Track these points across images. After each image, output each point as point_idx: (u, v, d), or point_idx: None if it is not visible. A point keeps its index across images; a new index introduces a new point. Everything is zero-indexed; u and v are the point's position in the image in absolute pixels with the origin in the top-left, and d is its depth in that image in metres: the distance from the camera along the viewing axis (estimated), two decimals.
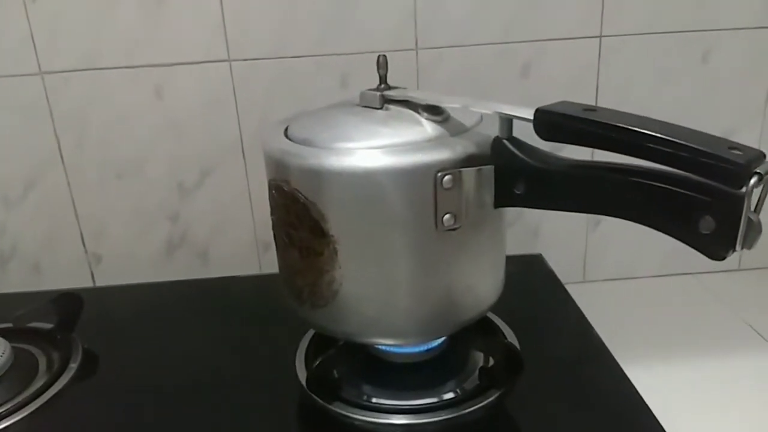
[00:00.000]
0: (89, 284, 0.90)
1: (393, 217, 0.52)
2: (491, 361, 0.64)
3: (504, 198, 0.51)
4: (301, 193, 0.54)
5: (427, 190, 0.51)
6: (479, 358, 0.66)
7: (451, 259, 0.55)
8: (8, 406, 0.61)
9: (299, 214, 0.55)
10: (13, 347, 0.69)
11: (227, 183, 0.87)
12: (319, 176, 0.52)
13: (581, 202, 0.46)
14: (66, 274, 0.89)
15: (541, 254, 0.89)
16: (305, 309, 0.59)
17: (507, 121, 0.49)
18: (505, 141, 0.49)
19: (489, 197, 0.52)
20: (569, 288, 0.80)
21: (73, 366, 0.67)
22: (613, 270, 0.94)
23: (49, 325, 0.73)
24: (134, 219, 0.87)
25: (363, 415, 0.58)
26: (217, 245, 0.90)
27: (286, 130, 0.59)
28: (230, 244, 0.90)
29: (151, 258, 0.89)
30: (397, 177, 0.51)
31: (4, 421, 0.60)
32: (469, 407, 0.58)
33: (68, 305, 0.73)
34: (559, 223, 0.90)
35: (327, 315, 0.58)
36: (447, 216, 0.52)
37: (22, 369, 0.67)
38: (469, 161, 0.51)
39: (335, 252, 0.54)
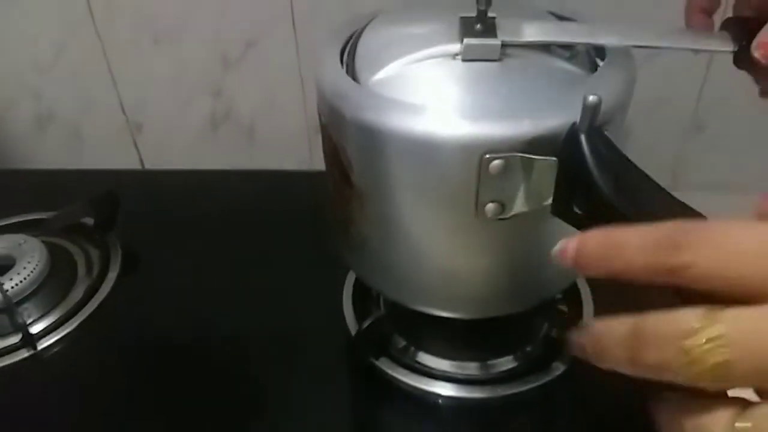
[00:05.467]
0: (133, 153, 0.84)
1: (421, 191, 0.42)
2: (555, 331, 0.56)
3: (561, 210, 0.39)
4: (331, 132, 0.45)
5: (467, 171, 0.39)
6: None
7: (494, 250, 0.44)
8: (45, 323, 0.58)
9: (331, 152, 0.46)
10: (49, 244, 0.65)
11: (274, 58, 0.76)
12: (343, 122, 0.42)
13: None
14: (108, 144, 0.83)
15: None
16: (339, 243, 0.52)
17: (594, 104, 0.35)
18: (582, 136, 0.36)
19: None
20: None
21: (113, 276, 0.63)
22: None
23: (88, 221, 0.68)
24: (175, 91, 0.79)
25: (408, 378, 0.53)
26: (264, 127, 0.81)
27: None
28: (278, 126, 0.80)
29: (195, 131, 0.82)
30: (426, 149, 0.39)
31: (42, 341, 0.57)
32: (526, 384, 0.52)
33: (106, 204, 0.66)
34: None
35: (356, 261, 0.52)
36: (491, 205, 0.40)
37: (60, 273, 0.63)
38: (532, 146, 0.38)
39: (362, 206, 0.45)
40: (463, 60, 0.42)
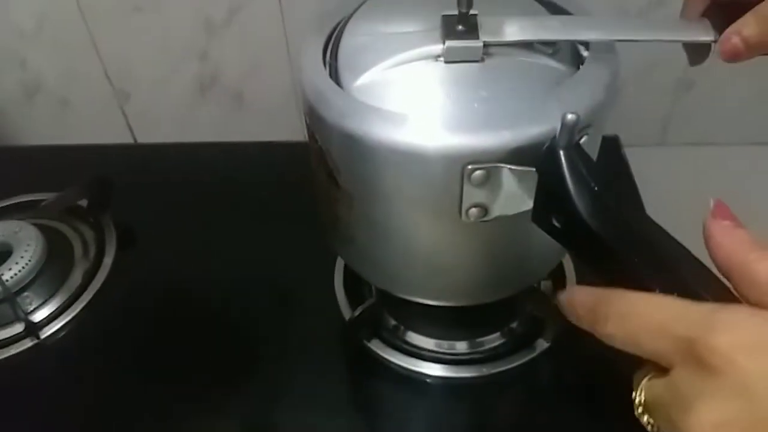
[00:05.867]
0: (122, 122, 0.83)
1: (406, 197, 0.42)
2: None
3: (540, 219, 0.39)
4: (316, 134, 0.44)
5: (450, 180, 0.39)
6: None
7: (478, 247, 0.45)
8: (47, 310, 0.60)
9: (317, 153, 0.46)
10: (44, 227, 0.65)
11: (259, 22, 0.73)
12: (327, 127, 0.41)
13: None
14: (96, 113, 0.82)
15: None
16: (328, 234, 0.53)
17: (572, 122, 0.34)
18: (561, 152, 0.36)
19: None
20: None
21: (108, 261, 0.63)
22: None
23: (82, 203, 0.68)
24: (159, 57, 0.76)
25: (399, 359, 0.55)
26: (252, 92, 0.80)
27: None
28: (267, 90, 0.79)
29: (183, 97, 0.80)
30: (409, 159, 0.39)
31: (45, 329, 0.58)
32: (512, 362, 0.54)
33: (100, 186, 0.67)
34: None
35: (345, 252, 0.54)
36: (474, 210, 0.41)
37: (57, 258, 0.63)
38: (513, 156, 0.37)
39: (349, 206, 0.46)
40: (446, 62, 0.42)
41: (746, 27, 0.40)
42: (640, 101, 0.77)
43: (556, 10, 0.47)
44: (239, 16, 0.73)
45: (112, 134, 0.83)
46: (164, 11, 0.72)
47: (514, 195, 0.39)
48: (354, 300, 0.59)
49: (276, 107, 0.79)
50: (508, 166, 0.38)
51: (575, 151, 0.36)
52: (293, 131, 0.80)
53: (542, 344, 0.55)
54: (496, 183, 0.39)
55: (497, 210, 0.41)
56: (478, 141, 0.38)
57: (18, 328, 0.58)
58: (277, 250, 0.65)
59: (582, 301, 0.31)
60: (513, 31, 0.42)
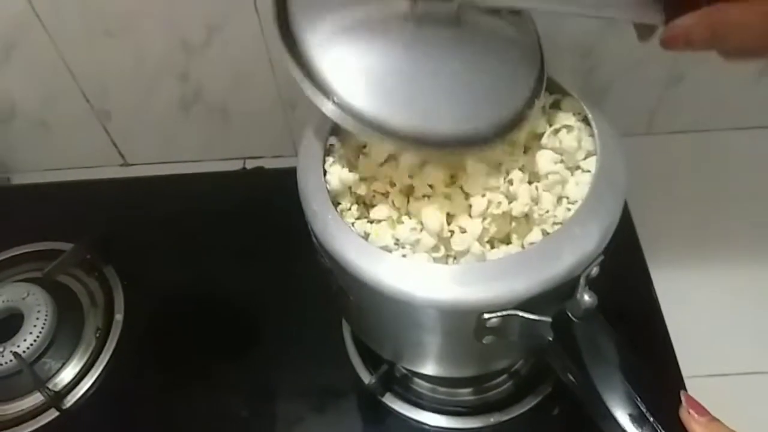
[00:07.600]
0: (105, 140, 0.78)
1: (421, 329, 0.43)
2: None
3: (556, 363, 0.39)
4: (323, 257, 0.43)
5: (465, 324, 0.40)
6: None
7: (491, 347, 0.43)
8: (67, 374, 0.59)
9: (325, 269, 0.44)
10: (50, 284, 0.64)
11: (240, 40, 0.68)
12: (336, 263, 0.40)
13: None
14: (78, 134, 0.77)
15: None
16: (339, 311, 0.55)
17: (591, 304, 0.35)
18: (576, 323, 0.36)
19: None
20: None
21: (119, 318, 0.63)
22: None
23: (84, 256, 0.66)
24: (138, 79, 0.71)
25: (410, 412, 0.56)
26: (237, 106, 0.75)
27: None
28: (252, 103, 0.74)
29: (167, 113, 0.75)
30: (423, 311, 0.39)
31: (67, 398, 0.59)
32: (517, 410, 0.56)
33: (103, 242, 0.66)
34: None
35: (357, 330, 0.56)
36: (489, 337, 0.41)
37: (69, 317, 0.63)
38: (528, 304, 0.37)
39: (360, 313, 0.47)
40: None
41: (694, 30, 0.37)
42: (628, 95, 0.74)
43: None
44: (219, 35, 0.68)
45: (99, 154, 0.79)
46: (136, 35, 0.67)
47: (530, 335, 0.39)
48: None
49: (263, 120, 0.76)
50: (524, 314, 0.38)
51: (592, 324, 0.35)
52: (282, 144, 0.79)
53: (545, 389, 0.57)
54: (513, 324, 0.39)
55: (513, 338, 0.41)
56: (491, 293, 0.37)
57: (40, 396, 0.58)
58: (284, 283, 0.65)
59: None
60: None
